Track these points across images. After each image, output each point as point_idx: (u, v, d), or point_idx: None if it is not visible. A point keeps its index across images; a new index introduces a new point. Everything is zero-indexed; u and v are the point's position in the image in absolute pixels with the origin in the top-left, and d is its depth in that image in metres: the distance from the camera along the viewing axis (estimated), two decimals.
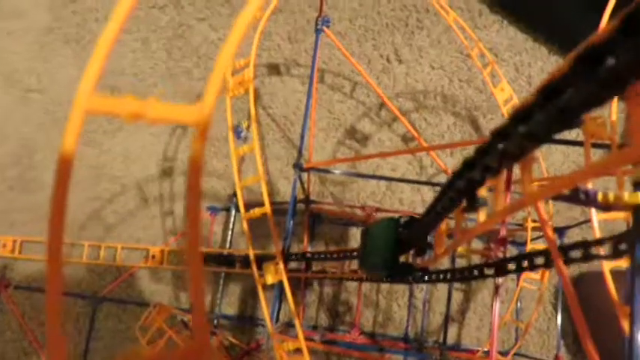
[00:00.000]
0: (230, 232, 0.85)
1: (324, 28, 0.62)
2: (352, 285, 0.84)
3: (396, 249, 0.43)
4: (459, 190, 0.23)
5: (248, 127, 0.90)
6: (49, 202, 0.13)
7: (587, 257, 0.29)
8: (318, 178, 0.85)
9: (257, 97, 0.91)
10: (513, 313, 0.81)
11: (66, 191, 0.13)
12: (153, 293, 0.86)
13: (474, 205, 0.22)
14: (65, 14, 0.96)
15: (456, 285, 0.85)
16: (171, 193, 0.89)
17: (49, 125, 0.91)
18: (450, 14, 0.67)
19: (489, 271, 0.34)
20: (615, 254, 0.25)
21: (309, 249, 0.82)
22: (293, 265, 0.77)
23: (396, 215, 0.46)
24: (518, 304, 0.83)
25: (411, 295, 0.84)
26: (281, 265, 0.43)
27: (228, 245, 0.84)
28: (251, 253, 0.45)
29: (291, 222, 0.56)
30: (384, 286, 0.86)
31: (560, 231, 0.76)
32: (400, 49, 0.93)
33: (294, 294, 0.84)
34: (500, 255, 0.42)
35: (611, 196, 0.23)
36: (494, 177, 0.22)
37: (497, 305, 0.41)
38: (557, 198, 0.24)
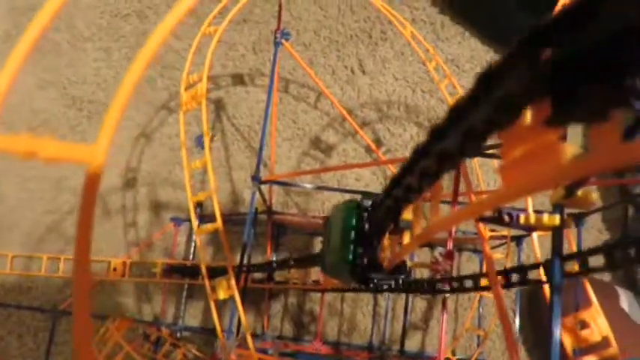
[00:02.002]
0: (193, 243, 0.84)
1: (283, 42, 0.63)
2: (317, 294, 0.85)
3: (358, 243, 0.35)
4: (390, 206, 0.24)
5: (212, 137, 0.89)
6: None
7: (523, 282, 0.30)
8: (281, 189, 0.85)
9: (221, 107, 0.91)
10: (475, 320, 0.82)
11: None
12: (115, 306, 0.85)
13: (398, 226, 0.22)
14: (24, 21, 0.94)
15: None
16: (134, 204, 0.88)
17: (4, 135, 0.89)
18: (407, 28, 0.68)
19: (420, 288, 0.35)
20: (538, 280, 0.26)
21: (273, 259, 0.82)
22: (257, 275, 0.77)
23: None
24: (480, 310, 0.84)
25: (376, 303, 0.85)
26: (233, 281, 0.43)
27: (191, 257, 0.84)
28: (203, 268, 0.45)
29: (251, 234, 0.56)
30: (349, 295, 0.86)
31: (518, 239, 0.78)
32: (364, 60, 0.94)
33: (258, 304, 0.84)
34: (448, 268, 0.42)
35: (532, 218, 0.24)
36: (429, 185, 0.22)
37: (444, 318, 0.42)
38: (482, 219, 0.25)
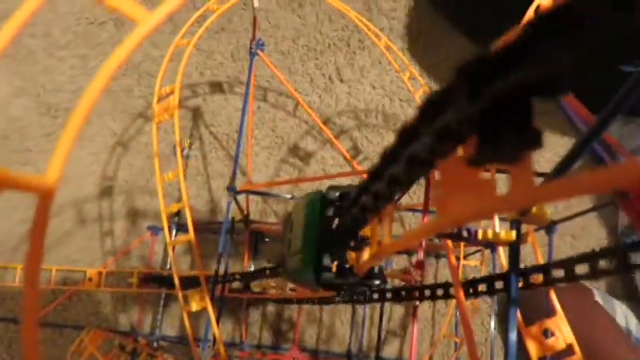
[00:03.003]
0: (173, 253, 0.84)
1: (259, 52, 0.63)
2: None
3: (324, 242, 0.30)
4: (349, 224, 0.24)
5: (190, 145, 0.89)
6: None
7: (491, 292, 0.31)
8: (260, 197, 0.86)
9: (199, 115, 0.91)
10: (452, 326, 0.83)
11: None
12: (90, 316, 0.84)
13: (358, 242, 0.23)
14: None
15: None
16: (110, 213, 0.87)
17: None
18: (382, 39, 0.69)
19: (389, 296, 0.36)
20: (498, 289, 0.26)
21: (252, 268, 0.82)
22: (235, 284, 0.77)
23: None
24: (457, 316, 0.85)
25: (354, 311, 0.85)
26: (205, 293, 0.43)
27: (168, 266, 0.83)
28: (176, 279, 0.45)
29: (227, 245, 0.56)
30: None
31: (492, 247, 0.79)
32: (342, 69, 0.94)
33: (236, 312, 0.84)
34: (419, 278, 0.43)
35: (489, 234, 0.25)
36: (384, 205, 0.22)
37: (415, 326, 0.42)
38: (441, 236, 0.26)
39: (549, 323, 0.40)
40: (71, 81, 0.91)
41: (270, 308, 0.86)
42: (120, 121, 0.89)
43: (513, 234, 0.25)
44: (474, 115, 0.10)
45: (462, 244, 0.74)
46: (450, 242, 0.35)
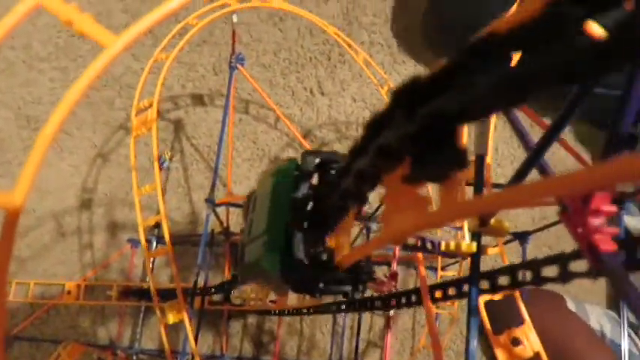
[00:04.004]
0: (150, 265, 0.83)
1: (239, 66, 0.64)
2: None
3: (296, 223, 0.23)
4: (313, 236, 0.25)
5: (171, 157, 0.89)
6: None
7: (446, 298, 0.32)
8: (240, 209, 0.86)
9: (180, 127, 0.91)
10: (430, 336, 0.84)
11: None
12: (69, 330, 0.83)
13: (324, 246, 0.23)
14: None
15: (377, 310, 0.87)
16: (89, 226, 0.86)
17: None
18: (360, 54, 0.70)
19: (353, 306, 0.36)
20: (461, 295, 0.27)
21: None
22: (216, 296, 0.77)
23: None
24: (437, 325, 0.86)
25: (335, 322, 0.86)
26: (182, 305, 0.44)
27: (148, 278, 0.83)
28: (153, 291, 0.45)
29: (206, 257, 0.56)
30: None
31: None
32: (323, 82, 0.96)
33: (217, 324, 0.84)
34: (392, 289, 0.44)
35: (452, 245, 0.26)
36: (341, 219, 0.22)
37: (389, 338, 0.43)
38: (406, 248, 0.26)
39: (517, 332, 0.41)
40: (51, 93, 0.91)
41: (251, 320, 0.86)
42: (100, 133, 0.89)
43: (474, 245, 0.26)
44: (406, 137, 0.11)
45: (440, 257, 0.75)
46: (420, 254, 0.36)
